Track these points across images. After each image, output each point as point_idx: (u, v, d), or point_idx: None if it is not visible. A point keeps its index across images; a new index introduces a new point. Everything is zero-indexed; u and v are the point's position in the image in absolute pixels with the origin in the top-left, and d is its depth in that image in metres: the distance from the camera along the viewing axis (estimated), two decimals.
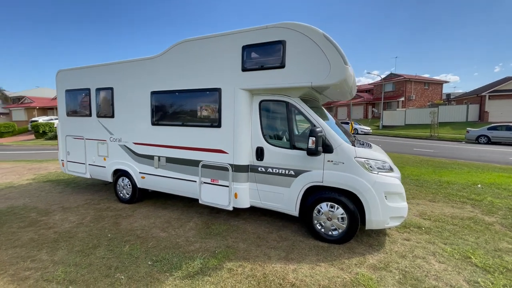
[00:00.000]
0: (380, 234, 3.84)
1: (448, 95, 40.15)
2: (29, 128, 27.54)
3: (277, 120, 3.94)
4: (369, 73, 36.16)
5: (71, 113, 5.98)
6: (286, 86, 3.59)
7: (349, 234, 3.49)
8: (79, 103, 5.81)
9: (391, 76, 38.37)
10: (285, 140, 3.88)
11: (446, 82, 39.53)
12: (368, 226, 3.41)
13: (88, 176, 5.85)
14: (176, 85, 4.45)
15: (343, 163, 3.45)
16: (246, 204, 4.07)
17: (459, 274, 2.84)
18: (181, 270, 2.93)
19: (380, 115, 32.39)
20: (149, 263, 3.09)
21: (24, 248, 3.49)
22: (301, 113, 3.69)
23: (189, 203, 5.23)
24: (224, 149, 4.08)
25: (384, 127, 31.25)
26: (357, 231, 3.46)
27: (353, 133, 14.81)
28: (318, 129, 3.30)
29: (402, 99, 35.74)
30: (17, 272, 2.92)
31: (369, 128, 27.98)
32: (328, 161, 3.52)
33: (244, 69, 3.81)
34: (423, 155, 12.40)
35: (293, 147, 3.74)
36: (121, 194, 5.39)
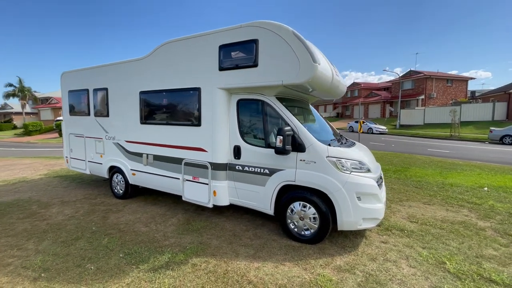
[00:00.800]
0: (357, 236, 3.74)
1: (473, 92, 37.79)
2: (54, 127, 29.36)
3: (254, 119, 3.95)
4: (385, 70, 34.67)
5: (73, 112, 6.34)
6: (259, 85, 3.59)
7: (321, 235, 3.44)
8: (80, 103, 6.14)
9: (410, 73, 36.77)
10: (261, 138, 3.89)
11: (471, 78, 37.17)
12: (340, 226, 3.35)
13: (88, 172, 6.18)
14: (160, 85, 4.59)
15: (315, 162, 3.40)
16: (225, 202, 4.13)
17: (426, 280, 2.72)
18: (148, 263, 3.04)
19: (398, 114, 31.13)
20: (121, 255, 3.24)
21: (15, 238, 3.77)
22: (275, 111, 3.68)
23: (178, 200, 5.36)
24: (204, 148, 4.16)
25: (402, 126, 30.02)
26: (328, 231, 3.40)
27: (361, 132, 14.40)
28: (286, 128, 3.28)
29: (422, 97, 34.12)
30: (2, 259, 3.18)
31: (385, 128, 27.02)
32: (301, 160, 3.49)
33: (221, 69, 3.86)
34: (437, 156, 11.81)
35: (268, 145, 3.74)
36: (116, 190, 5.65)
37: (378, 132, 26.27)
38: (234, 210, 4.73)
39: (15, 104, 44.89)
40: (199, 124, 4.16)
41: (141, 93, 4.87)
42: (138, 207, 5.05)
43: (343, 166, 3.33)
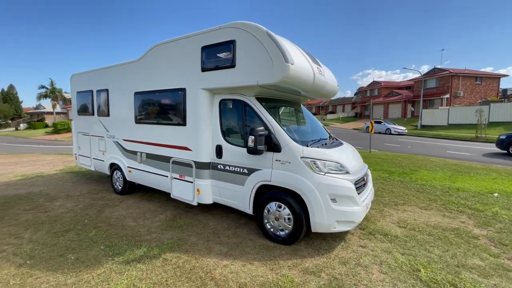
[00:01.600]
0: (336, 238, 3.67)
1: (505, 90, 35.02)
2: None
3: (234, 118, 3.99)
4: (405, 68, 33.04)
5: (81, 112, 6.75)
6: (236, 85, 3.63)
7: (294, 236, 3.41)
8: (86, 103, 6.52)
9: (434, 71, 34.85)
10: (240, 138, 3.92)
11: (504, 76, 34.50)
12: (313, 228, 3.30)
13: (93, 168, 6.56)
14: (151, 86, 4.77)
15: (290, 163, 3.38)
16: (208, 200, 4.21)
17: (393, 287, 2.62)
18: (123, 256, 3.20)
19: (419, 114, 29.64)
20: (102, 247, 3.43)
21: (16, 227, 4.11)
22: (254, 112, 3.69)
23: (170, 197, 5.54)
24: (189, 147, 4.27)
25: (423, 127, 28.56)
26: (301, 233, 3.36)
27: (373, 133, 13.93)
28: (258, 128, 3.29)
29: (447, 96, 32.22)
30: (0, 246, 3.49)
31: (404, 128, 25.86)
32: (276, 160, 3.49)
33: (203, 70, 3.95)
34: (454, 158, 11.15)
35: (247, 145, 3.76)
36: (115, 186, 5.95)
37: (397, 133, 25.19)
38: (221, 209, 4.81)
39: (47, 104, 48.30)
40: (184, 124, 4.28)
41: (135, 93, 5.09)
42: (133, 203, 5.28)
43: (317, 167, 3.28)
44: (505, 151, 12.58)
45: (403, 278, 2.76)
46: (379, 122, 27.51)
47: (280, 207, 3.50)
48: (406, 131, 25.63)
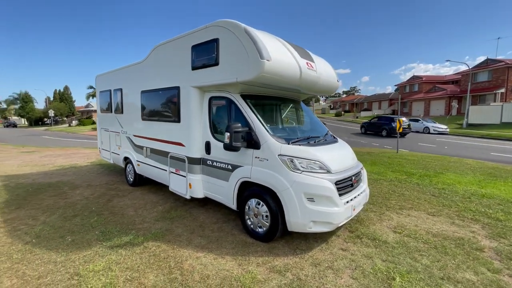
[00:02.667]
0: (319, 239, 3.55)
1: None
2: None
3: (221, 115, 4.06)
4: (448, 61, 29.76)
5: (102, 110, 7.41)
6: (219, 83, 3.70)
7: (271, 233, 3.38)
8: (106, 101, 7.13)
9: (487, 63, 30.97)
10: None
11: None
12: (289, 227, 3.24)
13: (111, 161, 7.18)
14: (153, 85, 5.06)
15: (267, 160, 3.36)
16: (200, 195, 4.36)
17: None
18: (111, 242, 3.49)
19: (466, 111, 26.65)
20: (97, 232, 3.77)
21: (36, 210, 4.71)
22: (238, 109, 3.72)
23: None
24: (182, 142, 4.46)
25: (470, 125, 25.63)
26: (277, 231, 3.32)
27: (401, 132, 12.92)
28: (234, 125, 3.31)
29: (502, 90, 28.46)
30: (17, 226, 4.04)
31: (446, 127, 23.47)
32: (256, 157, 3.48)
33: (193, 68, 4.08)
34: (496, 161, 9.88)
35: None
36: (128, 178, 6.44)
37: (437, 132, 23.00)
38: (215, 204, 4.91)
39: (95, 103, 53.46)
40: (179, 121, 4.48)
41: (142, 92, 5.44)
42: (140, 194, 5.68)
43: (294, 165, 3.21)
44: None
45: (373, 285, 2.59)
46: (416, 120, 25.38)
47: (259, 204, 3.50)
48: (448, 130, 23.25)
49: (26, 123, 56.84)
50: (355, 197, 3.57)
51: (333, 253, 3.21)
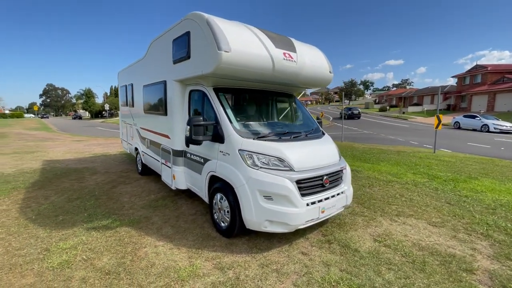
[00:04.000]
0: (283, 240, 3.38)
1: None
2: None
3: (198, 108, 4.07)
4: None
5: (122, 103, 8.06)
6: (191, 76, 3.70)
7: (230, 229, 3.32)
8: (124, 96, 7.74)
9: None
10: None
11: None
12: (246, 224, 3.15)
13: (128, 151, 7.80)
14: (150, 79, 5.32)
15: (229, 155, 3.29)
16: (182, 186, 4.49)
17: None
18: (91, 223, 3.82)
19: None
20: (85, 214, 4.16)
21: (52, 191, 5.38)
22: (209, 102, 3.69)
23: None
24: (169, 135, 4.62)
25: None
26: (235, 227, 3.23)
27: (439, 129, 11.37)
28: (195, 119, 3.30)
29: None
30: (30, 204, 4.67)
31: (511, 125, 19.99)
32: (220, 151, 3.44)
33: (174, 62, 4.17)
34: None
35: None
36: (138, 167, 6.94)
37: (498, 131, 19.74)
38: None
39: None
40: (165, 114, 4.64)
41: (143, 86, 5.76)
42: (144, 183, 6.07)
43: (252, 161, 3.09)
44: None
45: None
46: (473, 117, 22.17)
47: (222, 198, 3.45)
48: None
49: (89, 115, 65.05)
50: (326, 199, 3.29)
51: (290, 256, 3.02)
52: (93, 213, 4.22)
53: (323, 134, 4.22)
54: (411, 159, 8.80)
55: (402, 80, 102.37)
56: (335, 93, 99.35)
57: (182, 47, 3.84)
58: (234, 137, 3.26)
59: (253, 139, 3.29)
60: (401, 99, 53.85)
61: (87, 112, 66.30)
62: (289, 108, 4.70)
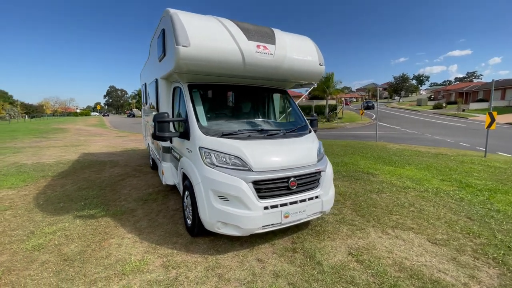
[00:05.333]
0: (246, 243, 3.20)
1: None
2: None
3: (176, 105, 4.08)
4: None
5: (142, 102, 8.62)
6: (166, 73, 3.73)
7: (193, 228, 3.26)
8: (143, 94, 8.26)
9: None
10: None
11: None
12: (203, 224, 3.05)
13: (146, 146, 8.33)
14: (150, 78, 5.56)
15: (192, 152, 3.24)
16: (170, 182, 4.58)
17: None
18: (81, 212, 4.15)
19: None
20: (82, 203, 4.54)
21: (70, 180, 6.02)
22: (184, 99, 3.67)
23: None
24: None
25: None
26: (195, 226, 3.16)
27: (493, 129, 9.57)
28: (159, 115, 3.30)
29: None
30: (46, 190, 5.29)
31: None
32: (187, 148, 3.41)
33: (159, 60, 4.25)
34: None
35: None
36: (150, 162, 7.35)
37: None
38: None
39: None
40: (158, 111, 4.78)
41: (148, 85, 6.05)
42: (151, 177, 6.41)
43: (209, 159, 2.98)
44: None
45: None
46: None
47: (188, 196, 3.41)
48: None
49: (140, 113, 71.71)
50: (292, 203, 3.01)
51: (243, 262, 2.83)
52: (90, 202, 4.59)
53: (310, 132, 3.89)
54: (448, 163, 7.61)
55: (467, 73, 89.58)
56: (384, 89, 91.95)
57: (161, 45, 3.89)
58: (197, 134, 3.19)
59: (218, 136, 3.16)
60: (462, 94, 47.23)
61: (139, 111, 73.26)
62: (274, 104, 4.43)
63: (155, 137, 3.39)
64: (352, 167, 7.20)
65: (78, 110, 78.97)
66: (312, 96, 38.93)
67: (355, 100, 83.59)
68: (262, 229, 2.91)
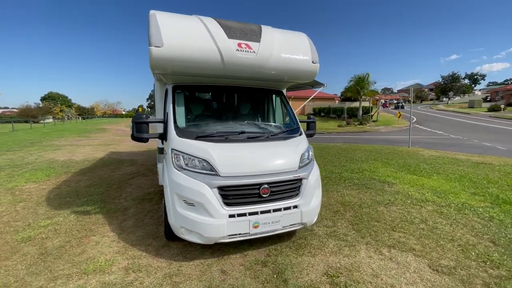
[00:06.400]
0: (219, 251, 3.04)
1: None
2: None
3: (164, 106, 4.07)
4: None
5: None
6: (153, 75, 3.74)
7: (166, 231, 3.19)
8: None
9: None
10: None
11: None
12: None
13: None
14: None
15: (167, 153, 3.19)
16: (162, 182, 4.63)
17: None
18: (80, 208, 4.38)
19: None
20: (85, 199, 4.80)
21: (86, 177, 6.44)
22: (168, 100, 3.66)
23: None
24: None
25: None
26: (168, 230, 3.08)
27: None
28: (137, 116, 3.30)
29: None
30: (61, 185, 5.72)
31: None
32: (165, 150, 3.37)
33: None
34: None
35: None
36: None
37: None
38: None
39: None
40: (154, 112, 4.88)
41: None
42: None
43: (179, 162, 2.90)
44: None
45: None
46: None
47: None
48: None
49: None
50: (263, 212, 2.78)
51: (204, 272, 2.67)
52: (92, 199, 4.83)
53: (300, 135, 3.61)
54: (488, 174, 6.54)
55: None
56: (430, 90, 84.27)
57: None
58: (171, 136, 3.13)
59: (192, 138, 3.07)
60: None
61: None
62: (266, 106, 4.19)
63: (133, 138, 3.40)
64: (369, 174, 6.58)
65: (124, 112, 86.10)
66: (344, 98, 37.19)
67: (395, 101, 77.93)
68: (229, 238, 2.73)
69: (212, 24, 3.30)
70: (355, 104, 31.87)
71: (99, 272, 2.65)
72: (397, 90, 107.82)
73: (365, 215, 4.06)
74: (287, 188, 2.95)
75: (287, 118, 3.98)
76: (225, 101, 4.23)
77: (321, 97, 45.28)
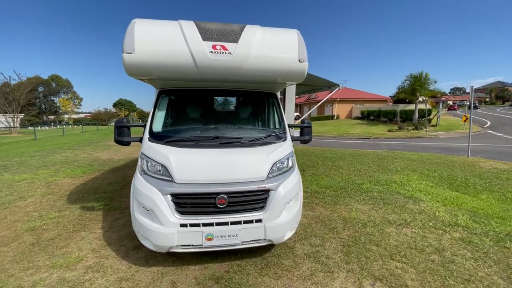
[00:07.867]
0: (183, 260, 2.92)
1: None
2: None
3: None
4: None
5: None
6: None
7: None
8: None
9: None
10: None
11: None
12: None
13: None
14: None
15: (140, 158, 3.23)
16: None
17: None
18: (89, 203, 4.78)
19: None
20: (97, 196, 5.24)
21: (108, 176, 7.03)
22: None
23: None
24: None
25: None
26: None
27: None
28: (118, 120, 3.41)
29: None
30: (89, 181, 6.38)
31: None
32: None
33: None
34: None
35: None
36: None
37: None
38: None
39: None
40: None
41: None
42: None
43: (143, 167, 2.91)
44: None
45: None
46: None
47: None
48: None
49: None
50: (219, 224, 2.59)
51: (155, 280, 2.59)
52: (104, 196, 5.25)
53: (284, 141, 3.31)
54: None
55: None
56: None
57: None
58: (144, 139, 3.18)
59: (162, 143, 3.06)
60: None
61: None
62: (254, 109, 3.94)
63: (115, 141, 3.55)
64: (395, 187, 5.69)
65: None
66: (396, 100, 33.68)
67: (466, 103, 67.24)
68: (182, 248, 2.61)
69: (189, 27, 3.23)
70: (411, 107, 28.57)
71: (64, 267, 2.81)
72: (474, 89, 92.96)
73: (364, 236, 3.48)
74: (249, 200, 2.68)
75: (274, 123, 3.68)
76: (213, 106, 4.14)
77: (372, 99, 41.93)
